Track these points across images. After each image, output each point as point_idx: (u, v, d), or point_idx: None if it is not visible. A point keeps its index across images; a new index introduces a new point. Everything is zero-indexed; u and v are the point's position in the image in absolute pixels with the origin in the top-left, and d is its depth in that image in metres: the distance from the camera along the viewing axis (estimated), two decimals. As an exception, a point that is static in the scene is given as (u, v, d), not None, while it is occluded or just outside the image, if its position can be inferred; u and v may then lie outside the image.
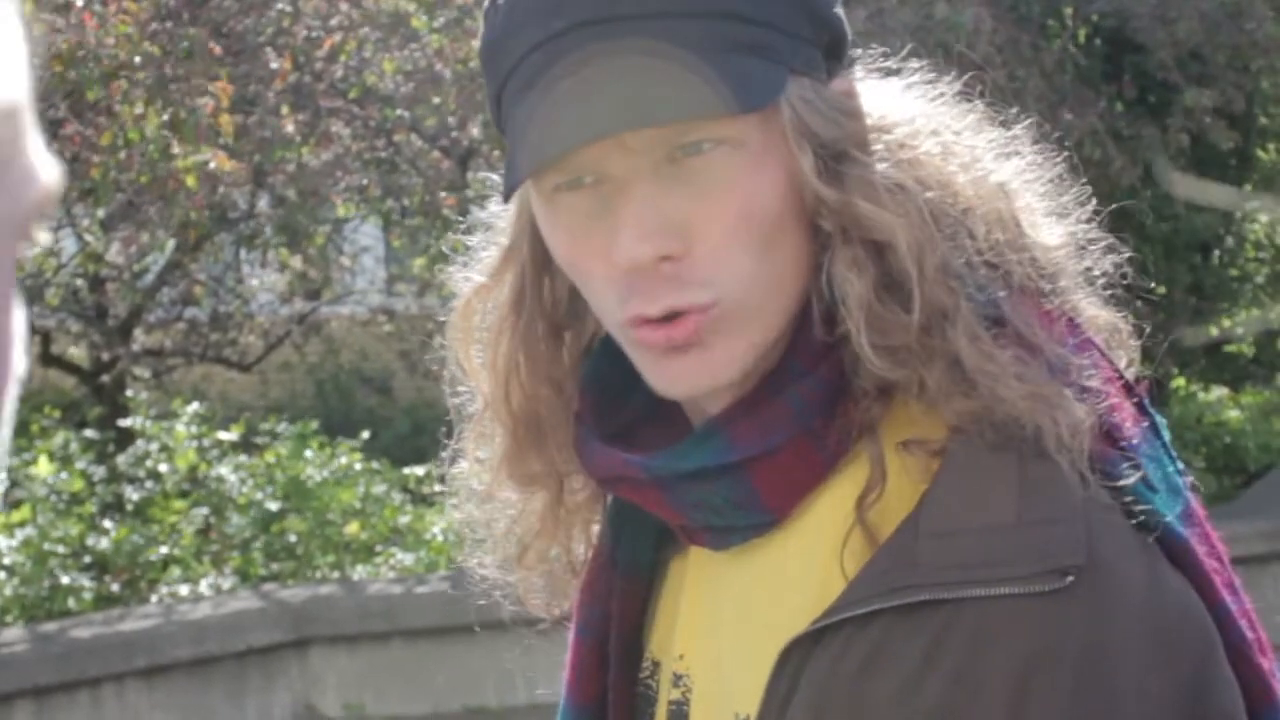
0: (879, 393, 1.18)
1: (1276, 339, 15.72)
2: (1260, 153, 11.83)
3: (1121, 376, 1.22)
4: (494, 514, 1.37)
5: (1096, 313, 1.25)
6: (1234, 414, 11.62)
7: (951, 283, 1.16)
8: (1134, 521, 1.13)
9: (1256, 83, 10.13)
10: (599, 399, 1.27)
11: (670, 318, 1.16)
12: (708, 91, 1.13)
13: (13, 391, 0.72)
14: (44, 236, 0.72)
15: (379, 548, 7.91)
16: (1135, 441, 1.17)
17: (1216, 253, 11.47)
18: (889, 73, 1.26)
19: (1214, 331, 10.75)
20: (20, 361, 0.72)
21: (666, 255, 1.15)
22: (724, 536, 1.22)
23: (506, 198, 1.20)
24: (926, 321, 1.15)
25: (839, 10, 1.23)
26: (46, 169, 0.71)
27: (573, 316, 1.30)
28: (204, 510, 7.99)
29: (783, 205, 1.17)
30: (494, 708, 6.90)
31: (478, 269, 1.32)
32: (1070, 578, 1.09)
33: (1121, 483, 1.14)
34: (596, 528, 1.35)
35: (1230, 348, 14.42)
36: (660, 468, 1.20)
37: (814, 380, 1.19)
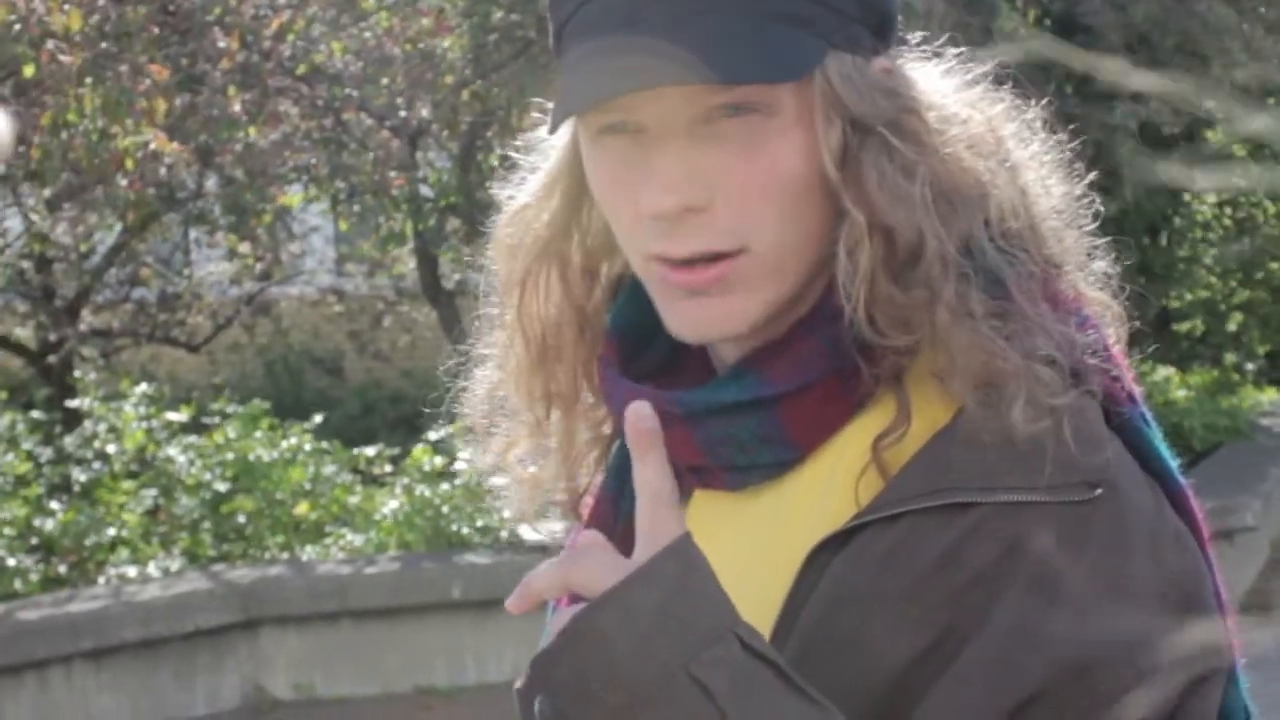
0: (906, 346, 1.23)
1: (1224, 319, 15.84)
2: (1209, 134, 11.90)
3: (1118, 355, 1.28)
4: (503, 422, 1.42)
5: (1094, 294, 1.31)
6: (1181, 394, 11.71)
7: (950, 267, 1.21)
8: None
9: (1206, 66, 10.17)
10: (623, 344, 1.33)
11: (694, 263, 1.23)
12: (748, 58, 1.20)
13: None
14: None
15: (328, 528, 7.89)
16: (1135, 412, 1.25)
17: (1164, 234, 11.54)
18: (931, 55, 1.31)
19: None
20: None
21: (690, 206, 1.22)
22: (744, 475, 1.26)
23: (552, 130, 1.26)
24: (923, 300, 1.21)
25: None
26: None
27: (607, 251, 1.36)
28: (152, 491, 7.95)
29: (808, 172, 1.23)
30: (444, 687, 6.89)
31: (524, 189, 1.37)
32: (1099, 490, 1.16)
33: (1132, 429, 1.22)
34: (584, 471, 1.41)
35: (1178, 327, 14.52)
36: (695, 401, 1.26)
37: (846, 325, 1.24)
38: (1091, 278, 1.32)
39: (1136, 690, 1.14)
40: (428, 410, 1.47)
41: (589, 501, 1.41)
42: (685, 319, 1.25)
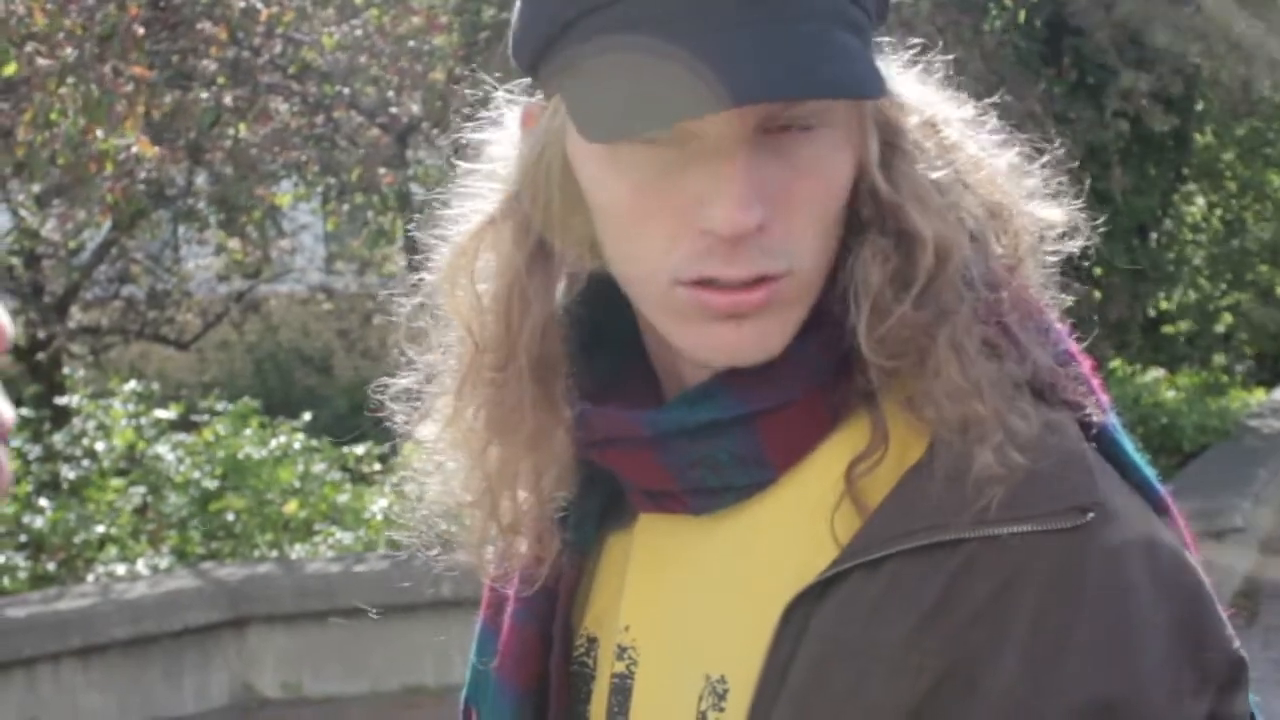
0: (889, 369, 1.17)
1: (1213, 321, 15.86)
2: (1198, 136, 11.91)
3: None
4: (461, 462, 1.32)
5: (1047, 299, 1.25)
6: (1170, 395, 11.73)
7: (962, 287, 1.15)
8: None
9: (1195, 67, 10.19)
10: (574, 366, 1.24)
11: (746, 284, 1.13)
12: (850, 70, 1.10)
13: None
14: None
15: (317, 527, 7.89)
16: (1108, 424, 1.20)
17: (1154, 235, 11.56)
18: (910, 64, 1.24)
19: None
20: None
21: (762, 225, 1.12)
22: (714, 498, 1.20)
23: (595, 139, 1.12)
24: (929, 320, 1.15)
25: None
26: None
27: (575, 266, 1.25)
28: (141, 489, 7.94)
29: (847, 188, 1.16)
30: (432, 686, 6.88)
31: (473, 206, 1.25)
32: (1091, 514, 1.10)
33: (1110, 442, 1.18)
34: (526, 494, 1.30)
35: (1167, 329, 14.54)
36: (667, 421, 1.18)
37: (825, 338, 1.18)
38: (1051, 288, 1.25)
39: (1170, 717, 1.09)
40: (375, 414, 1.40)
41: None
42: (721, 343, 1.16)
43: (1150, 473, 1.20)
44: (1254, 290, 16.24)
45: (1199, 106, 11.49)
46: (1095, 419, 1.18)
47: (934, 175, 1.17)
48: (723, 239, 1.12)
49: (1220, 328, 15.99)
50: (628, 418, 1.19)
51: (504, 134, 1.26)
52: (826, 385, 1.19)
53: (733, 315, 1.14)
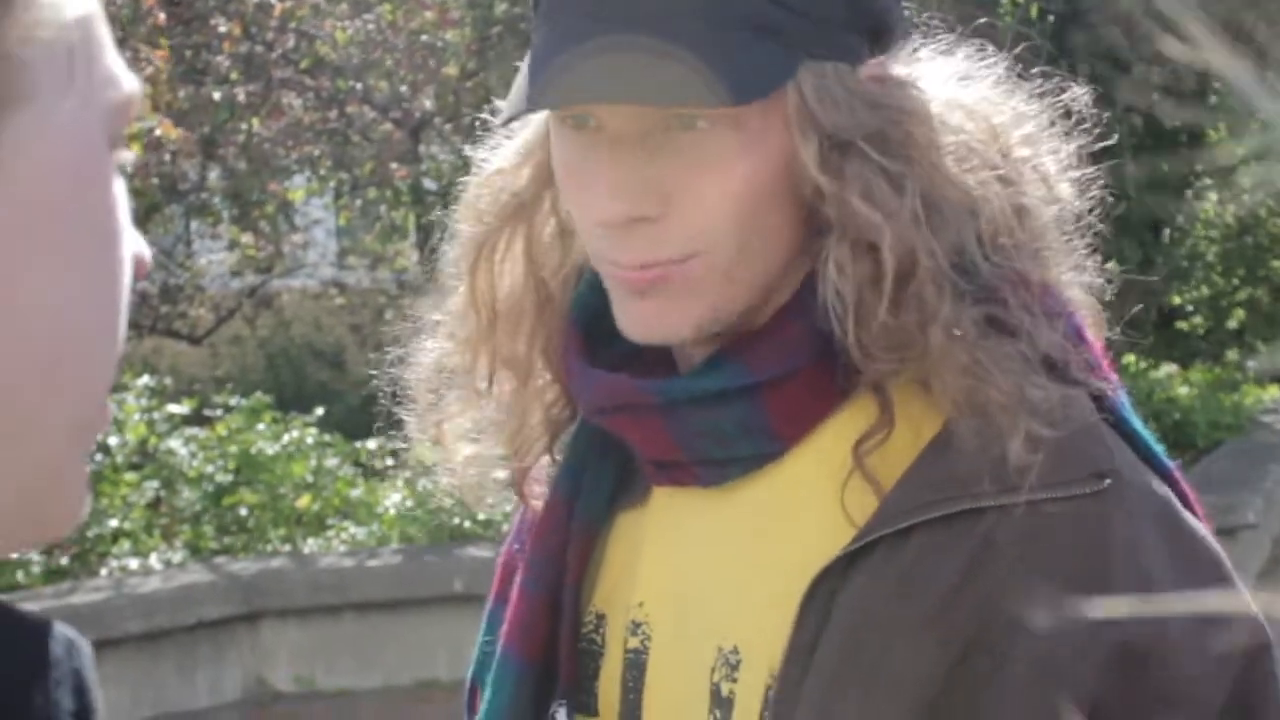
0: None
1: (1226, 316, 15.82)
2: (1211, 132, 11.89)
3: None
4: (448, 394, 1.38)
5: (1081, 297, 1.29)
6: (1184, 391, 11.70)
7: (944, 286, 1.17)
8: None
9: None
10: (588, 333, 1.30)
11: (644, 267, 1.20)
12: (707, 79, 1.13)
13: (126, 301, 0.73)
14: (129, 155, 0.74)
15: (330, 521, 7.89)
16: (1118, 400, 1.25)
17: (1167, 231, 11.53)
18: (943, 53, 1.27)
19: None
20: (138, 244, 0.74)
21: (639, 216, 1.18)
22: (721, 470, 1.23)
23: (504, 123, 1.25)
24: (914, 321, 1.17)
25: None
26: (127, 79, 0.72)
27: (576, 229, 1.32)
28: (154, 483, 7.95)
29: (773, 188, 1.19)
30: (445, 681, 6.89)
31: (499, 153, 1.34)
32: (1108, 480, 1.15)
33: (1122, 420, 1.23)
34: (533, 452, 1.37)
35: (1181, 325, 14.51)
36: (675, 390, 1.23)
37: (822, 315, 1.20)
38: (1081, 282, 1.29)
39: (1201, 672, 1.13)
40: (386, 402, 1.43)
41: (537, 489, 1.37)
42: (633, 318, 1.22)
43: (1158, 448, 1.24)
44: (1267, 286, 16.21)
45: (1212, 101, 11.46)
46: (1106, 394, 1.22)
47: (896, 175, 1.18)
48: (600, 226, 1.19)
49: (1234, 324, 15.95)
50: (638, 385, 1.24)
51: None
52: (832, 360, 1.21)
53: (640, 292, 1.20)
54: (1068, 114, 1.31)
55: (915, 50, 1.26)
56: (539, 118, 1.29)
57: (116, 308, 0.73)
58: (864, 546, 1.15)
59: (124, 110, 0.72)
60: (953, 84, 1.25)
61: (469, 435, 1.38)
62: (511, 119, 1.21)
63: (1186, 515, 1.20)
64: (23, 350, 0.69)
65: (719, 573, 1.23)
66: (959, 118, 1.23)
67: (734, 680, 1.20)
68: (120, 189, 0.72)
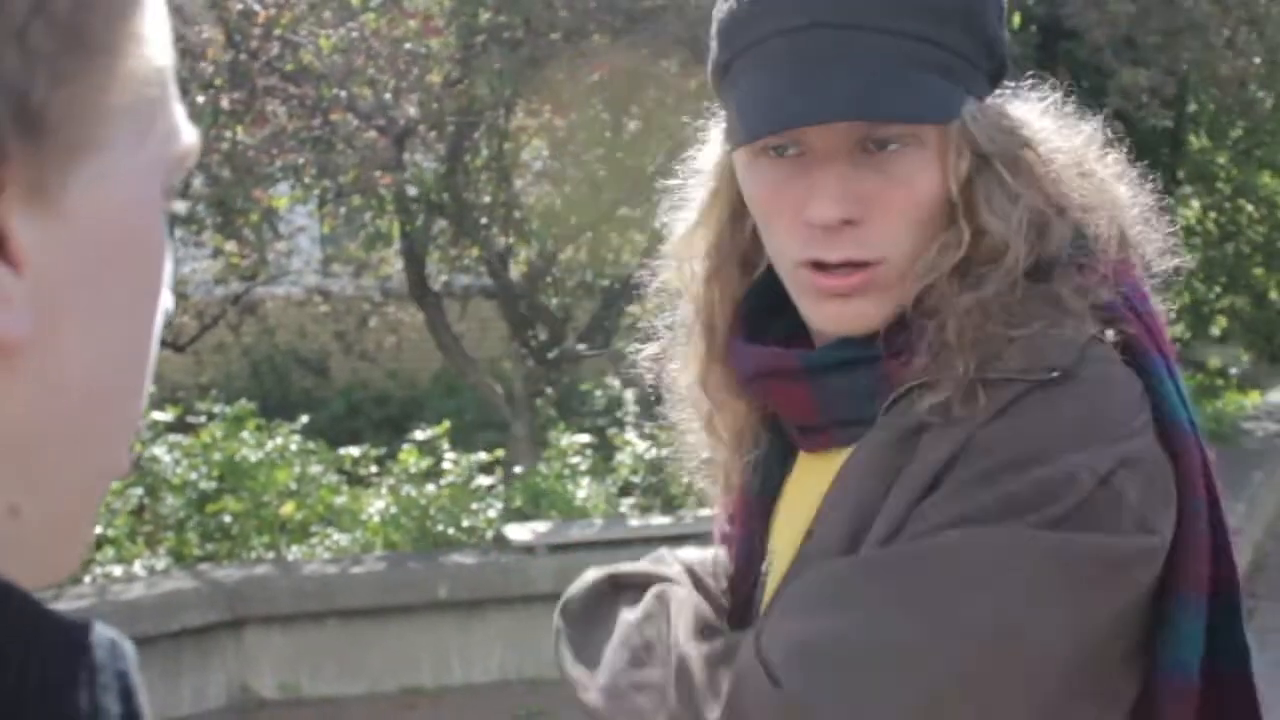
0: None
1: (1208, 324, 15.87)
2: (1192, 138, 11.94)
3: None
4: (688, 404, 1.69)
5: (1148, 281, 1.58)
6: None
7: (1009, 283, 1.46)
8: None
9: (1187, 69, 10.21)
10: (750, 320, 1.61)
11: (840, 269, 1.47)
12: (914, 101, 1.43)
13: (160, 325, 0.75)
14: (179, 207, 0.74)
15: (314, 528, 7.90)
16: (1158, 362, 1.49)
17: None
18: (1016, 93, 1.56)
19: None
20: (169, 300, 0.75)
21: (849, 220, 1.46)
22: (849, 431, 1.51)
23: (734, 148, 1.52)
24: (963, 291, 1.46)
25: (1004, 43, 1.53)
26: (187, 131, 0.74)
27: (757, 254, 1.61)
28: (138, 491, 7.95)
29: (939, 197, 1.48)
30: (429, 688, 6.90)
31: (690, 208, 1.63)
32: (1055, 374, 1.40)
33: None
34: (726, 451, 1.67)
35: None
36: (816, 357, 1.53)
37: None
38: (1155, 276, 1.58)
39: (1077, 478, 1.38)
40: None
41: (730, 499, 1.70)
42: (829, 317, 1.51)
43: (1183, 415, 1.46)
44: (1249, 293, 16.26)
45: (1191, 108, 11.51)
46: (1145, 352, 1.46)
47: (1014, 189, 1.47)
48: (820, 228, 1.47)
49: (1216, 331, 16.00)
50: (783, 352, 1.55)
51: (714, 138, 1.62)
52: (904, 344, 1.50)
53: (837, 295, 1.49)
54: None
55: (1004, 87, 1.55)
56: (713, 171, 1.59)
57: (146, 366, 0.73)
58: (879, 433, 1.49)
59: (182, 162, 0.73)
60: (1038, 112, 1.54)
61: (701, 446, 1.71)
62: (742, 143, 1.48)
63: (1116, 422, 1.42)
64: (55, 405, 0.69)
65: (810, 507, 1.53)
66: (1060, 141, 1.52)
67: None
68: (167, 244, 0.73)
